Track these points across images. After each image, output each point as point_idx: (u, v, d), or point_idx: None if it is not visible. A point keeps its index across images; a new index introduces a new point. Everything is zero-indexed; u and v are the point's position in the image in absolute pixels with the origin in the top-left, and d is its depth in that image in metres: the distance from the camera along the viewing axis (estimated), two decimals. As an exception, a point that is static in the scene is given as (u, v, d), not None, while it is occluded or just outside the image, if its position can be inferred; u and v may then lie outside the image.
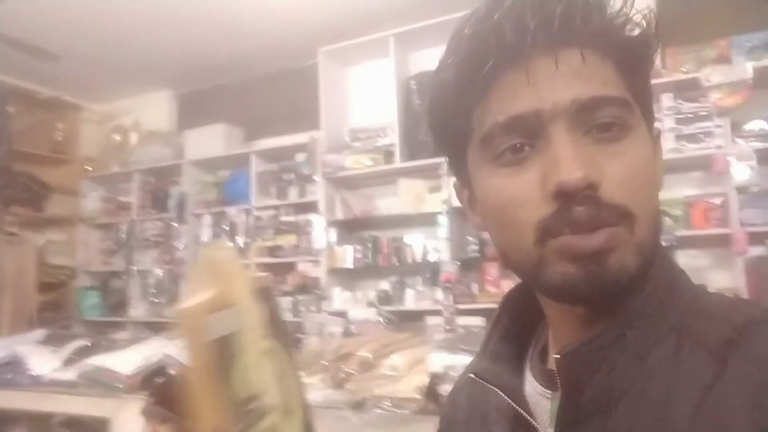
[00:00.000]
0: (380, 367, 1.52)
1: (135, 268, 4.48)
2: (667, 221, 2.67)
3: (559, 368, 0.46)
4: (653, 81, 0.54)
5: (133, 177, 4.58)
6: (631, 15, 0.46)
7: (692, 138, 2.83)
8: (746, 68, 2.66)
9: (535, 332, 0.58)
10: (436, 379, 1.42)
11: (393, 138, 3.52)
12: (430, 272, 3.47)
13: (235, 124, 4.37)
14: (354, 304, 3.46)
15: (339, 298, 3.59)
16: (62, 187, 4.67)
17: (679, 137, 2.84)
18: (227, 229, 4.16)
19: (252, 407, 0.42)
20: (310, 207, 3.80)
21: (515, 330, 0.57)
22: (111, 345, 2.13)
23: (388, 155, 3.54)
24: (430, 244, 3.44)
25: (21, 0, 3.28)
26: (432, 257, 3.42)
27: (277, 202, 4.02)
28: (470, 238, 3.36)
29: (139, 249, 4.53)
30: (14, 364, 2.01)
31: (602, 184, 0.43)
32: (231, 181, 4.29)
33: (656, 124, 0.52)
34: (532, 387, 0.53)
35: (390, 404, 1.42)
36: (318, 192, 3.71)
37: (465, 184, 0.55)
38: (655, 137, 0.51)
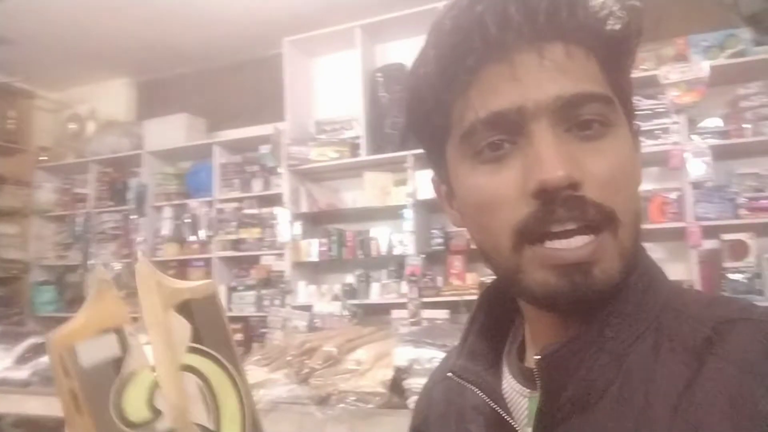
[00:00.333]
0: (345, 361, 1.51)
1: (92, 262, 4.34)
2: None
3: (539, 369, 0.46)
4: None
5: (89, 167, 4.44)
6: (614, 9, 0.45)
7: (650, 134, 2.90)
8: (703, 67, 2.74)
9: (512, 328, 0.58)
10: (400, 372, 1.43)
11: (359, 130, 3.50)
12: (396, 265, 3.49)
13: (197, 114, 4.27)
14: (319, 298, 3.44)
15: (304, 291, 3.57)
16: (14, 178, 4.52)
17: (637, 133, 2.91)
18: (189, 221, 4.08)
19: (145, 430, 0.41)
20: (274, 200, 3.76)
21: (491, 326, 0.57)
22: (66, 342, 2.06)
23: (354, 148, 3.52)
24: (396, 237, 3.45)
25: (-32, -20, 3.13)
26: (397, 250, 3.42)
27: (240, 194, 3.96)
28: (435, 231, 3.38)
29: (96, 242, 4.40)
30: (-38, 363, 1.93)
31: (584, 183, 0.43)
32: (193, 173, 4.20)
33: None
34: (509, 385, 0.52)
35: (355, 398, 1.41)
36: (282, 184, 3.66)
37: (443, 180, 0.54)
38: (634, 133, 0.50)
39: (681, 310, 0.46)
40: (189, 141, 4.12)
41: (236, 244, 3.93)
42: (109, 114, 4.65)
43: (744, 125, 2.84)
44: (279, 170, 3.70)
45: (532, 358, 0.47)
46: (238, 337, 3.53)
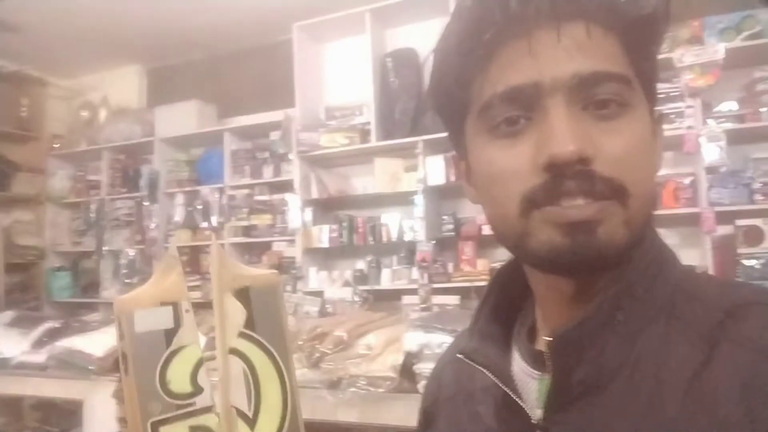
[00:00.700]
0: (356, 346, 1.52)
1: (106, 248, 4.39)
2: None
3: (551, 350, 0.46)
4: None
5: (102, 155, 4.47)
6: None
7: (664, 118, 2.86)
8: (718, 49, 2.69)
9: (522, 310, 0.58)
10: (411, 357, 1.43)
11: (369, 116, 3.49)
12: (406, 251, 3.49)
13: (207, 100, 4.28)
14: (330, 284, 3.46)
15: (315, 277, 3.59)
16: (28, 165, 4.55)
17: (652, 117, 2.88)
18: (200, 208, 4.10)
19: (184, 404, 0.43)
20: (285, 186, 3.77)
21: (502, 309, 0.57)
22: (82, 326, 2.10)
23: (364, 134, 3.51)
24: (406, 224, 3.45)
25: (-21, -32, 3.14)
26: (408, 236, 3.42)
27: (251, 180, 3.97)
28: (446, 218, 3.38)
29: (110, 229, 4.44)
30: (-19, 347, 1.96)
31: (596, 160, 0.43)
32: (204, 160, 4.22)
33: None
34: (519, 367, 0.53)
35: (365, 383, 1.42)
36: (293, 171, 3.67)
37: (462, 156, 0.54)
38: (656, 119, 0.50)
39: (693, 294, 0.46)
40: (200, 128, 4.13)
41: (248, 230, 3.95)
42: (121, 101, 4.67)
43: (760, 109, 2.79)
44: (289, 156, 3.71)
45: (543, 341, 0.48)
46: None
